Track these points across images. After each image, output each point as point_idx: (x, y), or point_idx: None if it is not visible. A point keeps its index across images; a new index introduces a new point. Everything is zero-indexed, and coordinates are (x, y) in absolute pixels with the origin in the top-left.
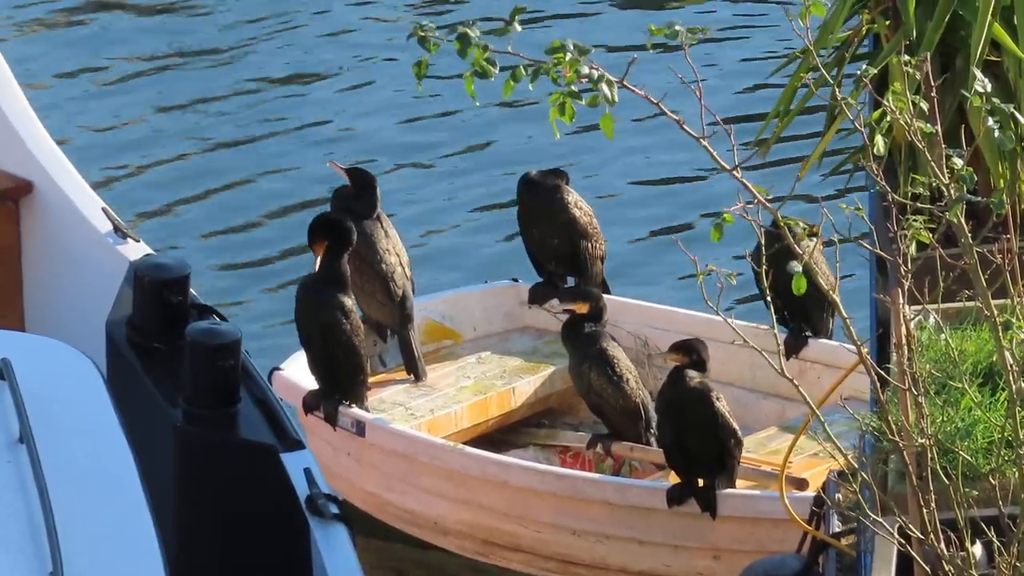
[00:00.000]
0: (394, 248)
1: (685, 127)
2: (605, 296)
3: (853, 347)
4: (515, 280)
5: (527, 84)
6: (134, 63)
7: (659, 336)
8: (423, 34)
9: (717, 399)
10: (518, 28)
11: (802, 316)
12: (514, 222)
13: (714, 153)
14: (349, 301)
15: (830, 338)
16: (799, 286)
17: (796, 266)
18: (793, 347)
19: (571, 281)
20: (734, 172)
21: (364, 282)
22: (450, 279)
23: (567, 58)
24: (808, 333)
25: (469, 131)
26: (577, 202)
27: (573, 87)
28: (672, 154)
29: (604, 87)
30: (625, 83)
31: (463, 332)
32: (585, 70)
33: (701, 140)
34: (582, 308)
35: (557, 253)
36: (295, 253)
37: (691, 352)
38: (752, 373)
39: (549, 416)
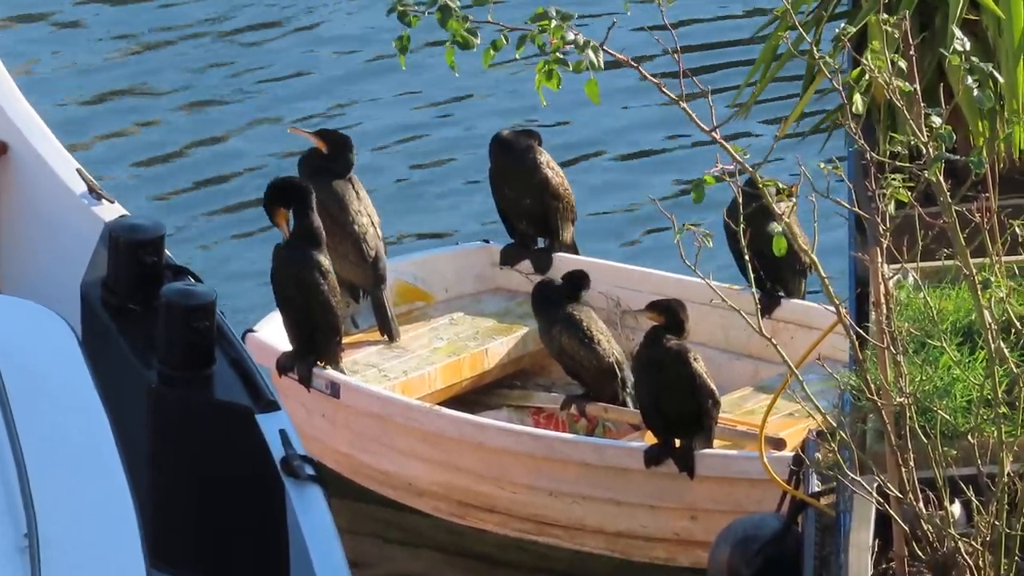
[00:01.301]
0: (366, 209)
1: (664, 89)
2: (575, 257)
3: (828, 306)
4: (486, 241)
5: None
6: (108, 27)
7: (631, 296)
8: (403, 8)
9: (695, 359)
10: None
11: (775, 276)
12: (484, 183)
13: (693, 115)
14: (326, 261)
15: (803, 298)
16: (779, 248)
17: (776, 227)
18: (767, 307)
19: (542, 242)
20: (713, 133)
21: (336, 243)
22: (420, 241)
23: (552, 25)
24: (781, 293)
25: (437, 89)
26: (549, 162)
27: (559, 54)
28: (645, 113)
29: (590, 53)
30: (606, 48)
31: (435, 293)
32: (570, 36)
33: (680, 102)
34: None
35: (529, 213)
36: None
37: (667, 312)
38: (725, 333)
39: (522, 377)
